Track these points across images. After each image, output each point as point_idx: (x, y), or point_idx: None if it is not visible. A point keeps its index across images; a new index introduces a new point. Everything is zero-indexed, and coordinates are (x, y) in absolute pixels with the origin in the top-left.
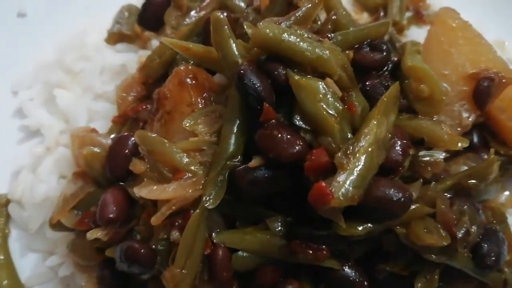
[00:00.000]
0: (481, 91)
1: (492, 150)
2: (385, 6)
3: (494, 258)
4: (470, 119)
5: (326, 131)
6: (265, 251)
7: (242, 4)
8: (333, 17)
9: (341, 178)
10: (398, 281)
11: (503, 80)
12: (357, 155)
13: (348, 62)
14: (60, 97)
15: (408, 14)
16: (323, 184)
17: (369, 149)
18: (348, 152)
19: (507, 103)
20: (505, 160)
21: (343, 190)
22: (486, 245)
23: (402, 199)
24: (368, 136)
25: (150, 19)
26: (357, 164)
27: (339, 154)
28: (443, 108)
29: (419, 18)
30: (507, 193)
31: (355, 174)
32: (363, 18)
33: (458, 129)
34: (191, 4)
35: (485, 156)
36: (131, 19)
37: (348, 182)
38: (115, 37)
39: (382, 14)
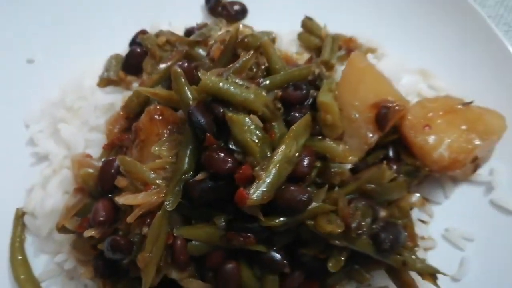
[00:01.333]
0: (381, 117)
1: (384, 162)
2: (320, 48)
3: (389, 244)
4: (373, 138)
5: (250, 152)
6: (212, 241)
7: (203, 53)
8: (263, 66)
9: (256, 185)
10: (318, 263)
11: (397, 108)
12: (269, 168)
13: (270, 101)
14: (63, 130)
15: (341, 52)
16: (242, 189)
17: (277, 165)
18: (263, 167)
19: (414, 124)
20: (412, 169)
21: (256, 193)
22: (383, 234)
23: (303, 199)
24: (278, 155)
25: (131, 66)
26: (268, 175)
27: (257, 168)
28: (340, 132)
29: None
30: (418, 195)
31: (266, 182)
32: (304, 57)
33: (365, 146)
34: (163, 54)
35: (394, 167)
36: (117, 66)
37: (260, 188)
38: (105, 82)
39: (314, 56)
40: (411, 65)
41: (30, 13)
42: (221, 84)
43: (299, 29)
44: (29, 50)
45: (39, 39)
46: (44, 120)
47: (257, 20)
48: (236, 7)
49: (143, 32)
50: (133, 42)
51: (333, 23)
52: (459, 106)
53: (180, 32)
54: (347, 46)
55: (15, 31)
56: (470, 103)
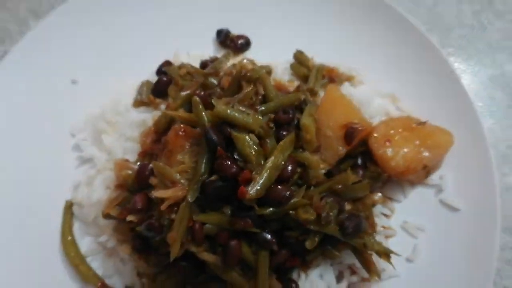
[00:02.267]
0: (348, 135)
1: (349, 170)
2: (307, 76)
3: (351, 230)
4: (342, 151)
5: (249, 161)
6: (220, 224)
7: (215, 82)
8: (260, 95)
9: (253, 184)
10: (298, 243)
11: (360, 128)
12: (262, 173)
13: (265, 122)
14: (105, 139)
15: (324, 80)
16: (243, 188)
17: (268, 170)
18: (258, 172)
19: (378, 139)
20: (374, 174)
21: (252, 190)
22: (347, 222)
23: (286, 195)
24: (269, 163)
25: (159, 91)
26: (261, 178)
27: (254, 172)
28: (315, 147)
29: (332, 83)
30: (379, 194)
31: (260, 183)
32: (294, 85)
33: (336, 157)
34: (184, 83)
35: (361, 172)
36: (148, 91)
37: (256, 186)
38: (138, 103)
39: (302, 84)
40: (382, 90)
41: (74, 40)
42: (228, 111)
43: (291, 59)
44: (73, 72)
45: (81, 63)
46: (87, 130)
47: (258, 51)
48: (241, 41)
49: (168, 63)
50: (160, 71)
51: (320, 55)
52: (415, 125)
53: (197, 60)
54: (329, 75)
55: (61, 56)
56: (425, 122)
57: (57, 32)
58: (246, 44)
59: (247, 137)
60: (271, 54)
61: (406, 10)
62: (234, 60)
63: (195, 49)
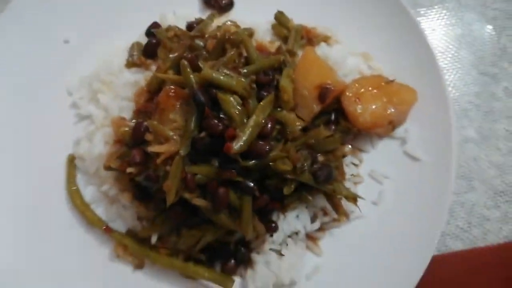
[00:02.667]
0: (322, 94)
1: (322, 126)
2: (287, 37)
3: (323, 178)
4: (317, 109)
5: (234, 119)
6: (209, 175)
7: (201, 43)
8: (243, 57)
9: (237, 140)
10: (277, 190)
11: (332, 88)
12: (244, 130)
13: (247, 84)
14: (101, 98)
15: (303, 41)
16: (228, 143)
17: (250, 128)
18: (242, 129)
19: (349, 97)
20: (345, 129)
21: (237, 146)
22: (319, 171)
23: (266, 149)
24: (251, 121)
25: (149, 53)
26: (244, 135)
27: (238, 130)
28: (292, 106)
29: (310, 43)
30: (349, 146)
31: (243, 139)
32: (275, 45)
33: (311, 114)
34: (172, 45)
35: (333, 127)
36: (139, 52)
37: (239, 142)
38: (130, 64)
39: (282, 45)
40: (356, 50)
41: (65, 2)
42: (214, 74)
43: (273, 20)
44: (65, 33)
45: (72, 23)
46: (83, 89)
47: (241, 11)
48: (225, 1)
49: (156, 24)
50: (148, 32)
51: (299, 16)
52: (383, 83)
53: (182, 20)
54: (308, 36)
55: (52, 17)
56: (392, 81)
57: None
58: (230, 4)
59: (231, 98)
60: (253, 14)
61: None
62: (218, 21)
63: (181, 8)
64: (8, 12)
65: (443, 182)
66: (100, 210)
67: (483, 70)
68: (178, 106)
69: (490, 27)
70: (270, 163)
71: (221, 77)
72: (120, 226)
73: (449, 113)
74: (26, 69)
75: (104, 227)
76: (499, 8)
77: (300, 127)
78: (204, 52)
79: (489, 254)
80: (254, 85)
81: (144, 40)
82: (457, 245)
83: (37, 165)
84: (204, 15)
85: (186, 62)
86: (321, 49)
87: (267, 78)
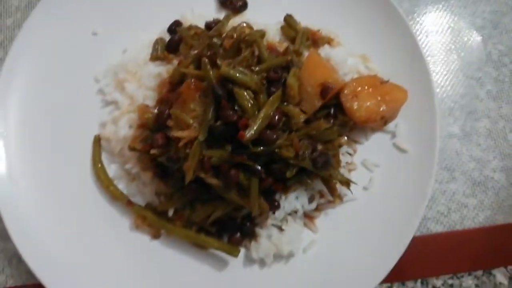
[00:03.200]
0: (324, 91)
1: (322, 119)
2: (295, 38)
3: (321, 164)
4: (318, 104)
5: (246, 111)
6: (223, 158)
7: (218, 42)
8: (255, 57)
9: (249, 129)
10: (281, 173)
11: (332, 87)
12: (256, 121)
13: (259, 80)
14: (127, 87)
15: (308, 42)
16: (242, 131)
17: (260, 119)
18: (253, 119)
19: (347, 95)
20: (343, 122)
21: (249, 134)
22: (318, 158)
23: (274, 137)
24: (261, 113)
25: (172, 48)
26: (255, 124)
27: (250, 120)
28: (297, 101)
29: (315, 44)
30: (345, 137)
31: (254, 128)
32: (284, 45)
33: (313, 108)
34: (193, 42)
35: (332, 120)
36: (162, 47)
37: (251, 131)
38: (154, 57)
39: (290, 45)
40: (355, 51)
41: None
42: (231, 71)
43: (282, 21)
44: (93, 26)
45: (100, 18)
46: (109, 77)
47: (253, 12)
48: (240, 3)
49: (178, 22)
50: (171, 29)
51: (307, 18)
52: (378, 83)
53: (200, 19)
54: (313, 38)
55: (82, 11)
56: (386, 81)
57: None
58: (244, 6)
59: (245, 93)
60: (265, 14)
61: None
62: (233, 21)
63: (199, 8)
64: (42, 7)
65: (426, 171)
66: (121, 186)
67: (469, 74)
68: (197, 97)
69: (478, 35)
70: (276, 150)
71: (237, 74)
72: (139, 200)
73: (435, 112)
74: (59, 58)
75: (126, 201)
76: (487, 18)
77: (303, 119)
78: (221, 50)
79: (465, 237)
80: (265, 81)
81: (166, 35)
82: (437, 228)
83: (68, 142)
84: (220, 14)
85: (206, 60)
86: (324, 50)
87: (276, 75)
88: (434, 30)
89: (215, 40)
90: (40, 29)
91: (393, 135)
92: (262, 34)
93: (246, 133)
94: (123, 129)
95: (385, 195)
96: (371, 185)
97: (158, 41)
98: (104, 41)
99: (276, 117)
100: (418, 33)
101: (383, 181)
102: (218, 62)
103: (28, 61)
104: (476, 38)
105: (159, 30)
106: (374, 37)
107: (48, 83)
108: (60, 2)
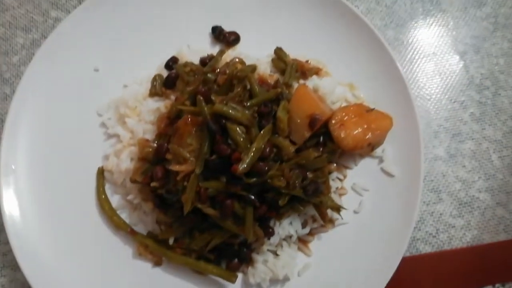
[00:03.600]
0: (311, 122)
1: (311, 149)
2: (285, 70)
3: (311, 192)
4: (307, 134)
5: (239, 145)
6: (219, 188)
7: (212, 77)
8: (246, 91)
9: (241, 163)
10: (274, 201)
11: (319, 118)
12: (248, 154)
13: (251, 115)
14: (128, 122)
15: (298, 74)
16: (235, 165)
17: (252, 152)
18: (246, 153)
19: (334, 124)
20: (331, 150)
21: (241, 167)
22: (308, 186)
23: (265, 169)
24: (253, 147)
25: (169, 84)
26: (248, 158)
27: (243, 153)
28: (287, 134)
29: (304, 75)
30: (335, 164)
31: (247, 161)
32: (275, 77)
33: (302, 139)
34: (189, 79)
35: (321, 149)
36: (160, 83)
37: (244, 164)
38: (153, 93)
39: (280, 78)
40: (343, 80)
41: (94, 36)
42: (224, 108)
43: (272, 53)
44: (94, 62)
45: (100, 55)
46: (111, 111)
47: (246, 45)
48: (232, 37)
49: (175, 59)
50: (168, 65)
51: (297, 49)
52: (365, 111)
53: (196, 53)
54: (302, 69)
55: (84, 49)
56: (372, 109)
57: (81, 27)
58: (236, 39)
59: (237, 128)
60: (256, 46)
61: (366, 9)
62: (227, 54)
63: (194, 42)
64: (46, 46)
65: (413, 194)
66: (124, 215)
67: (452, 97)
68: (194, 132)
69: (460, 60)
70: (268, 180)
71: (230, 111)
72: (141, 229)
73: (419, 136)
74: (63, 93)
75: (129, 230)
76: (469, 43)
77: (293, 150)
78: (215, 86)
79: (454, 257)
80: (256, 115)
81: (163, 71)
82: (426, 249)
83: (73, 175)
84: (214, 48)
85: (201, 98)
86: (313, 81)
87: (267, 109)
88: (418, 57)
89: (209, 75)
90: (45, 67)
91: (381, 160)
92: (253, 68)
93: (239, 166)
94: (125, 162)
95: (375, 218)
96: (361, 209)
97: (156, 77)
98: (105, 76)
99: (267, 150)
100: (402, 59)
101: (373, 205)
102: (212, 97)
103: (34, 98)
104: (458, 62)
105: (157, 65)
106: (360, 66)
107: (54, 118)
108: (63, 41)
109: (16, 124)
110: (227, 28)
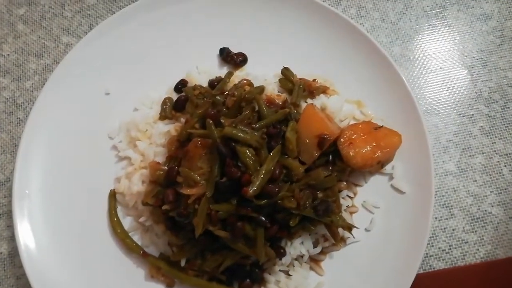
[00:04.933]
0: (320, 142)
1: (320, 169)
2: (292, 90)
3: (322, 212)
4: (316, 154)
5: (248, 167)
6: (229, 211)
7: (221, 99)
8: (255, 113)
9: (252, 185)
10: (285, 222)
11: (328, 138)
12: (258, 176)
13: (259, 137)
14: (139, 145)
15: (305, 93)
16: (245, 188)
17: (262, 174)
18: (256, 175)
19: (343, 142)
20: (341, 168)
21: (252, 190)
22: (319, 206)
23: (275, 190)
24: (263, 169)
25: (179, 108)
26: (258, 180)
27: (253, 176)
28: (296, 154)
29: (311, 94)
30: (345, 182)
31: (257, 184)
32: (283, 97)
33: (312, 158)
34: (199, 102)
35: (330, 167)
36: (170, 107)
37: (254, 187)
38: (163, 117)
39: (288, 98)
40: (351, 98)
41: (105, 60)
42: (233, 131)
43: (279, 73)
44: (105, 85)
45: (111, 79)
46: (122, 134)
47: (253, 65)
48: (240, 58)
49: (184, 82)
50: (177, 88)
51: (304, 68)
52: (373, 129)
53: (204, 74)
54: (309, 88)
55: (96, 73)
56: (380, 127)
57: (92, 52)
58: (244, 61)
59: (247, 150)
60: (264, 66)
61: (371, 26)
62: (235, 75)
63: (203, 64)
64: (58, 71)
65: (424, 210)
66: (136, 237)
67: (461, 111)
68: (204, 154)
69: (467, 74)
70: (279, 201)
71: (239, 134)
72: (153, 251)
73: (429, 152)
74: (75, 117)
75: (141, 252)
76: (476, 57)
77: (302, 170)
78: (224, 108)
79: (468, 273)
80: (265, 137)
81: (173, 94)
82: (439, 265)
83: (85, 198)
84: (222, 69)
85: (210, 121)
86: (320, 99)
87: (276, 130)
88: (425, 72)
89: (218, 98)
90: (57, 92)
91: (391, 177)
92: (261, 90)
93: (249, 189)
94: (136, 184)
95: (387, 235)
96: (372, 226)
97: (166, 100)
98: (116, 100)
99: (277, 171)
100: (409, 75)
101: (384, 222)
102: (222, 120)
103: (47, 122)
104: (465, 76)
105: (167, 88)
106: (367, 83)
107: (66, 142)
108: (75, 66)
109: (29, 148)
110: (234, 49)
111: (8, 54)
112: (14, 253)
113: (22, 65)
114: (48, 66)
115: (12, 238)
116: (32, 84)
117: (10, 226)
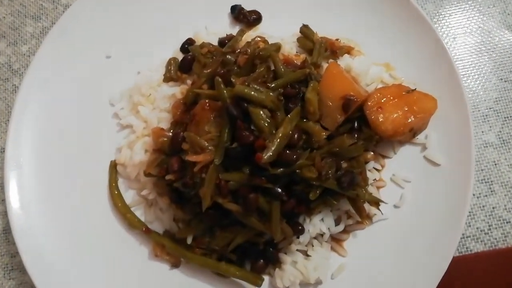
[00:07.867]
0: (345, 105)
1: (345, 135)
2: (312, 50)
3: (346, 184)
4: (340, 119)
5: (263, 131)
6: (241, 181)
7: (232, 59)
8: (271, 72)
9: (266, 151)
10: (304, 194)
11: (354, 99)
12: (273, 141)
13: (275, 97)
14: (142, 110)
15: (327, 53)
16: (259, 153)
17: (278, 139)
18: (271, 140)
19: (371, 106)
20: (368, 136)
21: (266, 156)
22: (343, 177)
23: (294, 158)
24: (279, 133)
25: (185, 68)
26: (273, 145)
27: (267, 141)
28: (318, 117)
29: (334, 55)
30: (372, 152)
31: (272, 149)
32: (302, 58)
33: (335, 123)
34: (206, 61)
35: (356, 135)
36: (175, 67)
37: (269, 152)
38: (168, 79)
39: (308, 58)
40: (378, 60)
41: (106, 20)
42: (245, 90)
43: (298, 32)
44: (106, 48)
45: (112, 40)
46: (124, 101)
47: (268, 25)
48: (254, 16)
49: (191, 41)
50: (183, 48)
51: (325, 28)
52: (404, 93)
53: (214, 36)
54: (331, 48)
55: (96, 35)
56: (413, 90)
57: (92, 11)
58: (258, 19)
59: (261, 112)
60: (279, 27)
61: None
62: (247, 35)
63: (213, 24)
64: (54, 33)
65: (463, 186)
66: (139, 212)
67: (502, 76)
68: (212, 118)
69: (509, 34)
70: (297, 171)
71: (252, 92)
72: (157, 227)
73: (468, 120)
74: (73, 82)
75: (144, 228)
76: None
77: (325, 136)
78: (235, 68)
79: (509, 255)
80: (282, 98)
81: (179, 55)
82: (478, 247)
83: (83, 170)
84: (234, 29)
85: (219, 79)
86: (344, 61)
87: (294, 91)
88: (462, 32)
89: (229, 56)
90: (54, 55)
91: (424, 147)
92: (277, 47)
93: (264, 155)
94: (139, 154)
95: (419, 213)
96: (402, 203)
97: (171, 61)
98: (118, 63)
99: (296, 136)
100: (444, 36)
101: (416, 198)
102: (232, 79)
103: (42, 88)
104: (508, 37)
105: (173, 50)
106: (397, 43)
107: (64, 109)
108: (73, 27)
109: (23, 115)
110: (247, 7)
111: (4, 17)
112: (8, 229)
113: (18, 28)
114: (46, 29)
115: (6, 213)
116: (29, 48)
117: (4, 200)
